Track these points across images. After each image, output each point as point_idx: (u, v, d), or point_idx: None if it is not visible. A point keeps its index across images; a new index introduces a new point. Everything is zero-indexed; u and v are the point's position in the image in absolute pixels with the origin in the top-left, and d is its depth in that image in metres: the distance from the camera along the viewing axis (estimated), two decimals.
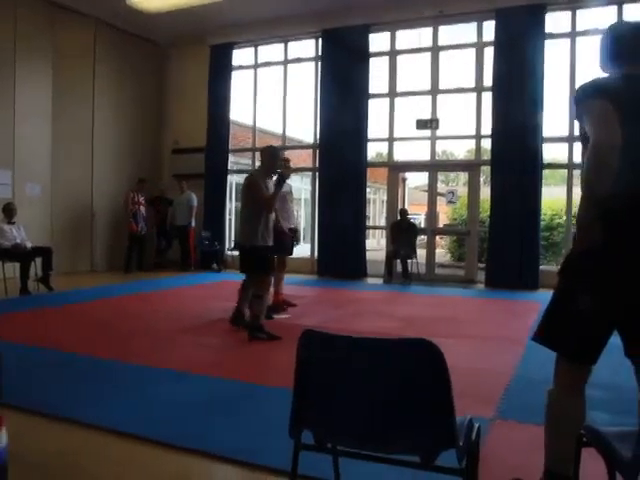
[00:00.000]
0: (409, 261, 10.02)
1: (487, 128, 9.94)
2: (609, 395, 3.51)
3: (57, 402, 3.43)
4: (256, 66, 12.19)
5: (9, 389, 3.67)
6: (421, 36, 11.01)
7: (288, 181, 6.05)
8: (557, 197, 12.23)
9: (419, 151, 12.31)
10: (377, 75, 10.98)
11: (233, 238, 11.59)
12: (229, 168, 12.29)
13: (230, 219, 12.46)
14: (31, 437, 2.96)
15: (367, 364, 1.73)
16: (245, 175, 6.41)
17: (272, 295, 6.96)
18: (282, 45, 11.82)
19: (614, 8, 9.18)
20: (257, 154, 10.67)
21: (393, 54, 10.91)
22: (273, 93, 12.21)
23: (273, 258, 5.60)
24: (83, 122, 11.02)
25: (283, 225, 6.53)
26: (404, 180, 20.86)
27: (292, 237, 6.95)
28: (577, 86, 2.14)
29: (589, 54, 10.98)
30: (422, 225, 12.91)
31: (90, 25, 11.00)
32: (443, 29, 10.51)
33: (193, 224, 11.59)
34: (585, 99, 2.07)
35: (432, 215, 11.03)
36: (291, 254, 7.16)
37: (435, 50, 10.53)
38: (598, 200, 1.91)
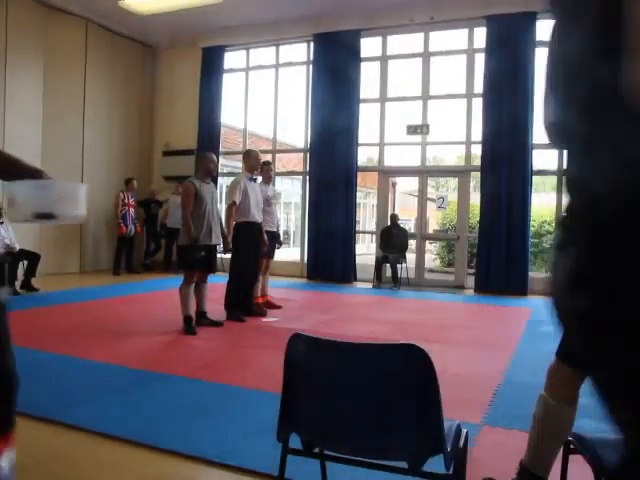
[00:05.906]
0: (398, 266, 10.05)
1: (477, 134, 9.99)
2: (595, 401, 3.53)
3: (41, 404, 3.39)
4: (248, 69, 12.19)
5: None
6: (412, 42, 11.06)
7: (277, 185, 6.21)
8: (546, 204, 12.31)
9: (409, 156, 12.34)
10: (368, 80, 11.02)
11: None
12: (220, 171, 12.25)
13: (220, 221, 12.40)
14: (18, 440, 2.93)
15: (355, 369, 1.73)
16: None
17: (259, 298, 7.00)
18: (274, 48, 11.82)
19: None
20: None
21: (384, 59, 10.95)
22: (264, 96, 12.21)
23: (192, 256, 5.64)
24: (74, 123, 10.95)
25: (265, 228, 6.76)
26: (394, 185, 20.90)
27: (274, 240, 7.10)
28: None
29: None
30: (412, 230, 12.94)
31: (82, 26, 10.94)
32: (434, 35, 10.56)
33: None
34: None
35: (422, 220, 11.05)
36: (271, 257, 7.25)
37: (426, 56, 10.58)
38: None
